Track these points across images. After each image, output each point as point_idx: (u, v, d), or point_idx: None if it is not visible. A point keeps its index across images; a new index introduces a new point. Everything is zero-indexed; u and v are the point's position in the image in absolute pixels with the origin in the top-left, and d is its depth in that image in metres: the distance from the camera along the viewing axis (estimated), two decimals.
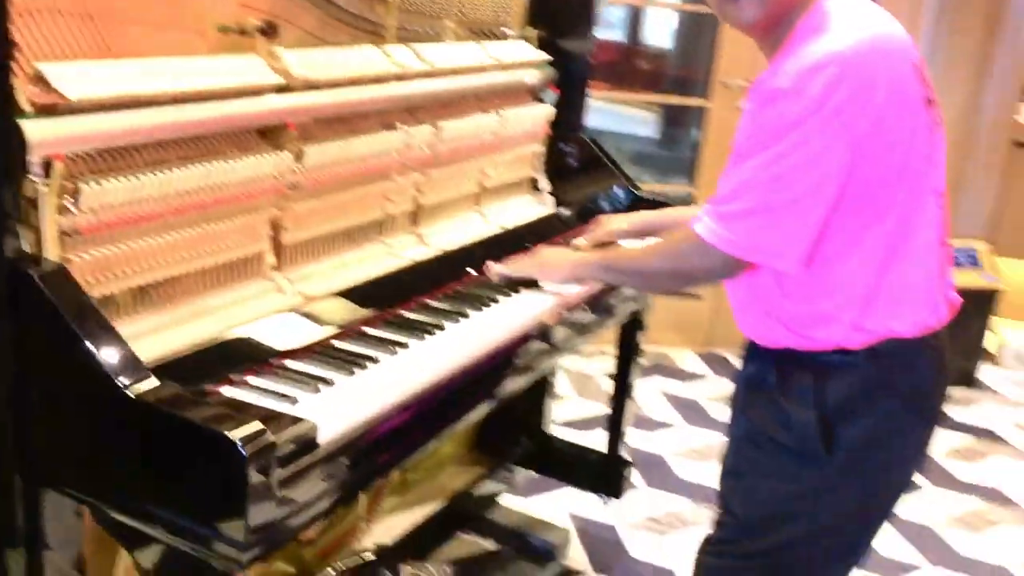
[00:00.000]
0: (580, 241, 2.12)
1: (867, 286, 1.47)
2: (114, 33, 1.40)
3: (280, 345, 1.45)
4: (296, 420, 1.15)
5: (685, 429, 3.63)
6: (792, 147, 1.38)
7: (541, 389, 2.72)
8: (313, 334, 1.52)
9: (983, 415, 3.96)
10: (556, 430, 2.86)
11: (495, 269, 1.88)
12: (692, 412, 3.77)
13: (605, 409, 3.66)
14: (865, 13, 1.47)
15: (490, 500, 2.68)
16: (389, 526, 2.27)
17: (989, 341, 4.26)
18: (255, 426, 1.08)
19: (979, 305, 3.96)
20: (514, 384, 1.69)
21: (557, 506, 2.98)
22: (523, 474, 2.80)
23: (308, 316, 1.57)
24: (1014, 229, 4.44)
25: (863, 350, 1.48)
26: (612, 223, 2.11)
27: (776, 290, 1.51)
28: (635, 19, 7.41)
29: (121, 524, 1.20)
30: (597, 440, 2.87)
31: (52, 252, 1.24)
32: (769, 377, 1.56)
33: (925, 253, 1.51)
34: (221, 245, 1.55)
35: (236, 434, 1.06)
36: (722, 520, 1.67)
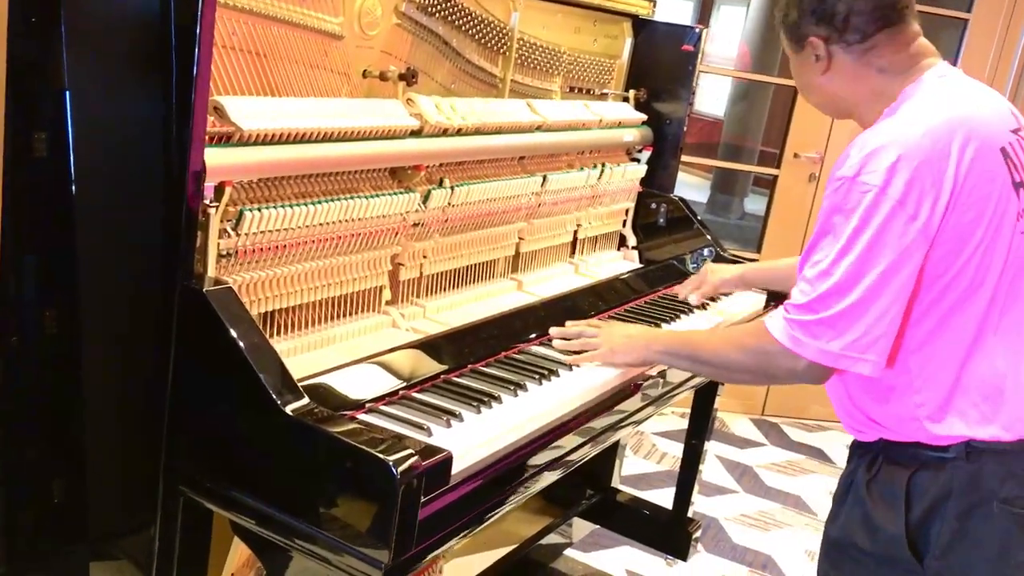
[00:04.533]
0: (687, 292, 2.15)
1: (949, 382, 1.39)
2: (275, 70, 1.48)
3: (400, 379, 1.50)
4: (437, 450, 1.19)
5: (740, 495, 3.62)
6: (857, 237, 1.31)
7: (611, 444, 2.74)
8: (429, 369, 1.57)
9: None
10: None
11: (560, 346, 1.74)
12: (747, 478, 3.76)
13: (657, 467, 3.69)
14: (950, 94, 1.41)
15: (555, 551, 2.69)
16: (460, 567, 2.29)
17: None
18: (407, 452, 1.12)
19: None
20: (610, 436, 1.73)
21: (614, 563, 2.98)
22: (583, 527, 2.81)
23: (424, 351, 1.62)
24: None
25: (957, 446, 1.39)
26: (718, 274, 2.11)
27: (859, 387, 1.46)
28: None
29: (254, 532, 1.24)
30: (651, 499, 2.88)
31: (210, 272, 1.31)
32: (859, 475, 1.48)
33: (1018, 346, 1.40)
34: (348, 277, 1.61)
35: (390, 458, 1.10)
36: None
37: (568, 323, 1.79)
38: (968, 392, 1.39)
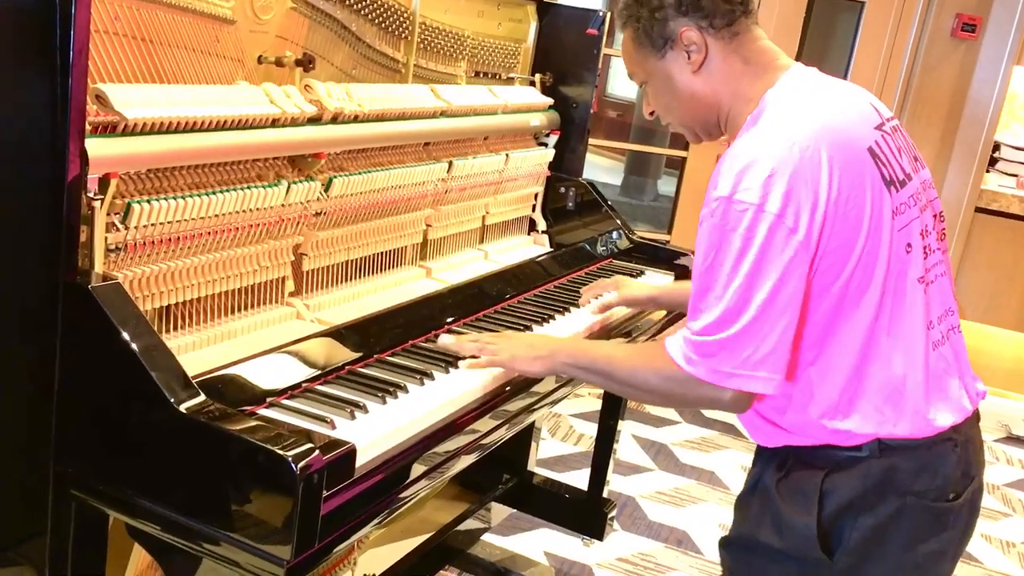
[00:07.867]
0: (592, 304, 2.03)
1: (849, 390, 1.38)
2: (164, 57, 1.43)
3: (303, 372, 1.47)
4: (340, 443, 1.17)
5: (655, 473, 3.68)
6: (743, 257, 1.30)
7: (526, 427, 2.75)
8: (333, 360, 1.54)
9: None
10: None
11: (453, 348, 1.63)
12: (662, 456, 3.82)
13: (575, 448, 3.73)
14: (811, 100, 1.40)
15: (473, 536, 2.69)
16: (376, 557, 2.28)
17: None
18: (307, 447, 1.10)
19: None
20: (523, 418, 1.73)
21: (532, 546, 3.00)
22: (500, 512, 2.82)
23: (328, 342, 1.59)
24: (975, 291, 4.61)
25: (870, 444, 1.39)
26: (628, 290, 2.02)
27: (759, 400, 1.43)
28: (603, 70, 7.57)
29: (151, 535, 1.21)
30: (570, 480, 2.90)
31: (98, 268, 1.26)
32: (767, 476, 1.48)
33: (912, 346, 1.39)
34: (248, 269, 1.57)
35: (289, 454, 1.08)
36: None
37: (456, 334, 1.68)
38: (869, 397, 1.39)
